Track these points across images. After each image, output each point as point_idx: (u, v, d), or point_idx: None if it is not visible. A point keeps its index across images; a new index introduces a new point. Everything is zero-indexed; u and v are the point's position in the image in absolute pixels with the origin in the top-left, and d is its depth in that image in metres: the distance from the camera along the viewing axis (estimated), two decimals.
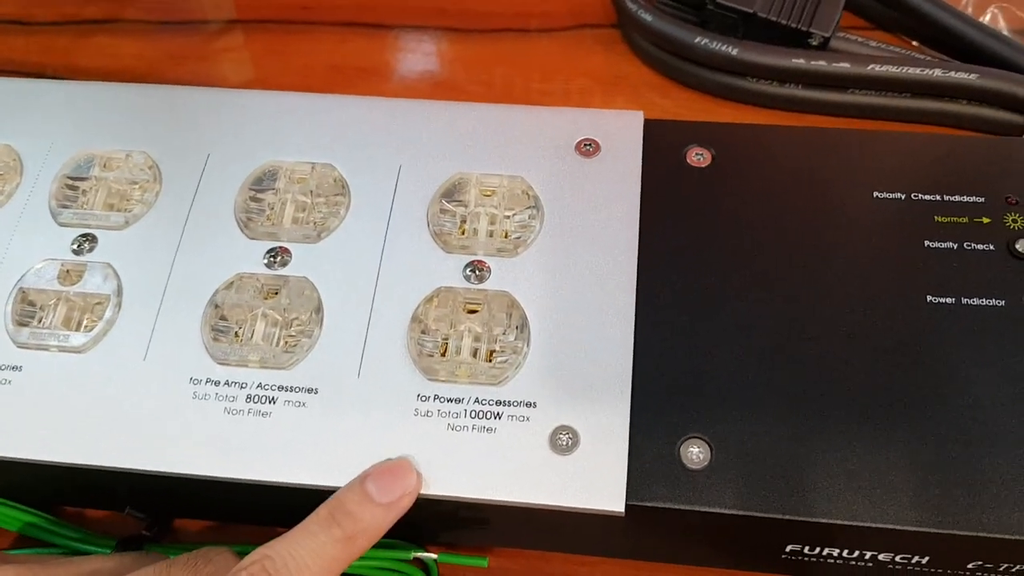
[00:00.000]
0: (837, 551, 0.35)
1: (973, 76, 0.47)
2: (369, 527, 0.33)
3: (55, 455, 0.35)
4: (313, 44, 0.57)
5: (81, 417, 0.36)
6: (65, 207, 0.40)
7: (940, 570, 0.35)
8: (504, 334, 0.36)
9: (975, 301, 0.36)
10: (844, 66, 0.48)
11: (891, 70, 0.48)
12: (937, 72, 0.47)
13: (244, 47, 0.57)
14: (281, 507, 0.36)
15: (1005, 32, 0.52)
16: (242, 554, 0.33)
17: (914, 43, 0.53)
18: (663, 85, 0.53)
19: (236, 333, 0.37)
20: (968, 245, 0.37)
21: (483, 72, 0.55)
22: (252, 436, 0.35)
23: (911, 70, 0.48)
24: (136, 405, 0.36)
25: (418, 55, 0.57)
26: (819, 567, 0.36)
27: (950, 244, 0.37)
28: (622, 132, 0.41)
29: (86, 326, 0.38)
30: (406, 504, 0.33)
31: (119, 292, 0.38)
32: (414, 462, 0.34)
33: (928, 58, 0.50)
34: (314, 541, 0.32)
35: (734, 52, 0.49)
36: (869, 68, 0.48)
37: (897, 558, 0.34)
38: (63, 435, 0.35)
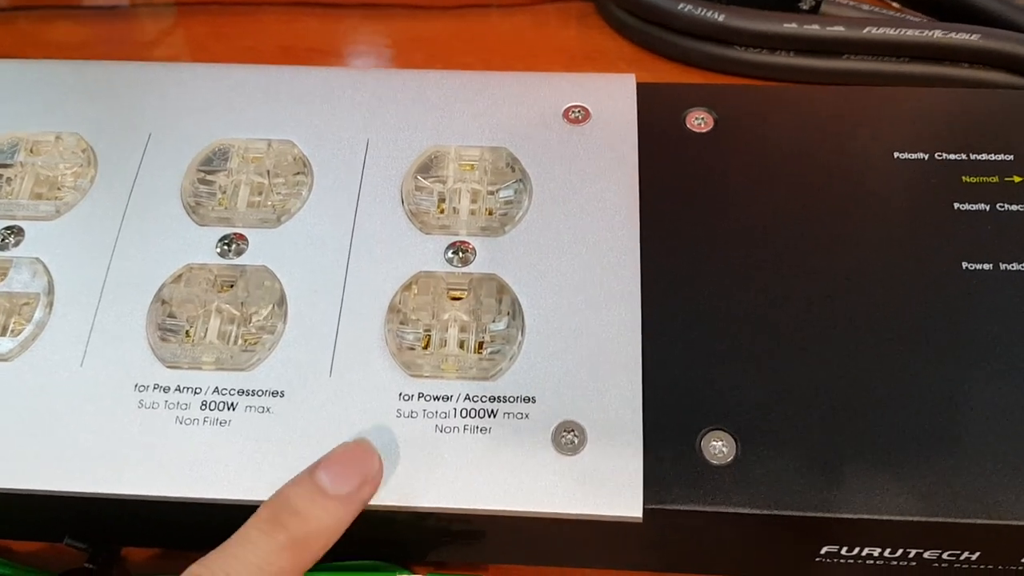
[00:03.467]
0: (878, 551, 0.31)
1: (975, 36, 0.45)
2: (323, 527, 0.28)
3: None
4: (260, 25, 0.54)
5: (10, 434, 0.32)
6: None
7: (991, 566, 0.32)
8: (494, 322, 0.33)
9: (1015, 266, 0.33)
10: (839, 29, 0.45)
11: (889, 32, 0.45)
12: (937, 33, 0.45)
13: (187, 30, 0.55)
14: None
15: None
16: None
17: (895, 4, 0.50)
18: (642, 59, 0.51)
19: (187, 332, 0.34)
20: (1001, 206, 0.35)
21: (442, 53, 0.53)
22: (209, 448, 0.31)
23: (909, 32, 0.45)
24: (74, 418, 0.32)
25: (373, 35, 0.54)
26: (856, 569, 0.33)
27: (982, 206, 0.35)
28: (614, 97, 0.38)
29: (13, 330, 0.34)
30: (367, 494, 0.29)
31: (50, 290, 0.34)
32: (398, 458, 0.30)
33: (924, 20, 0.47)
34: (254, 552, 0.27)
35: (720, 18, 0.46)
36: (866, 31, 0.45)
37: (944, 555, 0.31)
38: None
